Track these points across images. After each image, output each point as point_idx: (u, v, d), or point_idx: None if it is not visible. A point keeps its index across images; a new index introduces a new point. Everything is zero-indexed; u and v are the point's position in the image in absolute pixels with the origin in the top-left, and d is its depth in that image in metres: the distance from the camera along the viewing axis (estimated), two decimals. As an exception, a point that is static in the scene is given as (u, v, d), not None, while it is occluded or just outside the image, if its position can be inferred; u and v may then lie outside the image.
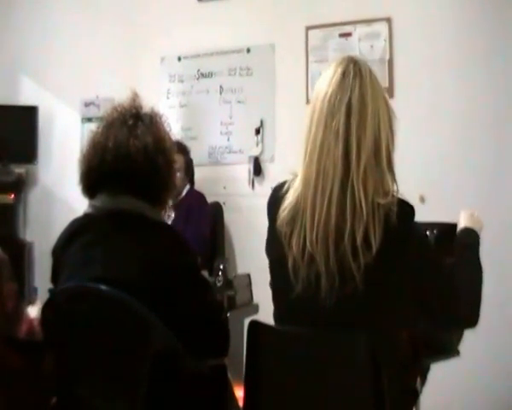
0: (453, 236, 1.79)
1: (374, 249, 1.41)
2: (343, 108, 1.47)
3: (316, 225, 1.46)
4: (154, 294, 1.58)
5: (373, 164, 1.47)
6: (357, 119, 1.47)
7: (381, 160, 1.49)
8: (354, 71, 1.51)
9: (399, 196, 1.49)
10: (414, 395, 1.72)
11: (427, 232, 1.86)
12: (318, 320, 1.49)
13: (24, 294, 2.04)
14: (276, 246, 1.56)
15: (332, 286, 1.45)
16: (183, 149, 3.61)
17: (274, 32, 3.91)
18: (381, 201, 1.44)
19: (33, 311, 1.83)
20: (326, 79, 1.52)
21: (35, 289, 1.91)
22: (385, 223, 1.43)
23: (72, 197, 3.67)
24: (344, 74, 1.50)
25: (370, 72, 1.54)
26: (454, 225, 1.85)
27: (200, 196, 3.73)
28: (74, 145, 3.94)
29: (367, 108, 1.48)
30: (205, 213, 3.64)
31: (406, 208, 1.49)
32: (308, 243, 1.47)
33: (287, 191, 1.56)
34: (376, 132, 1.49)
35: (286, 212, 1.52)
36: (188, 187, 3.71)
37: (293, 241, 1.50)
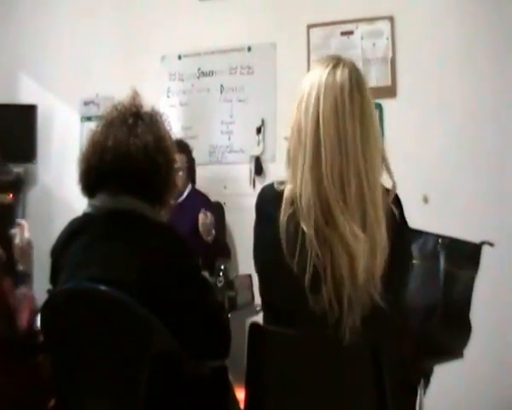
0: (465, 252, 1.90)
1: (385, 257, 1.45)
2: (365, 136, 1.49)
3: (337, 259, 1.45)
4: (153, 295, 1.57)
5: (379, 166, 1.52)
6: (374, 140, 1.50)
7: (382, 157, 1.53)
8: (362, 86, 1.53)
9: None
10: (415, 394, 1.73)
11: (439, 240, 1.88)
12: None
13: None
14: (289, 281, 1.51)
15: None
16: (185, 147, 3.59)
17: (275, 31, 3.90)
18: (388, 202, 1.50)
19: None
20: (339, 89, 1.51)
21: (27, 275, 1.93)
22: (388, 222, 1.47)
23: (71, 197, 3.65)
24: (359, 92, 1.52)
25: (360, 73, 1.57)
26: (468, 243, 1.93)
27: (204, 200, 3.68)
28: (74, 144, 3.94)
29: (377, 126, 1.53)
30: (216, 223, 3.54)
31: (398, 200, 1.54)
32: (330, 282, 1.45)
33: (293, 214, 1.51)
34: (377, 134, 1.53)
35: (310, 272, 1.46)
36: (189, 187, 3.69)
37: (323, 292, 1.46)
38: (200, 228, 3.23)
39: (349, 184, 1.46)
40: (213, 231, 3.29)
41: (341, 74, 1.53)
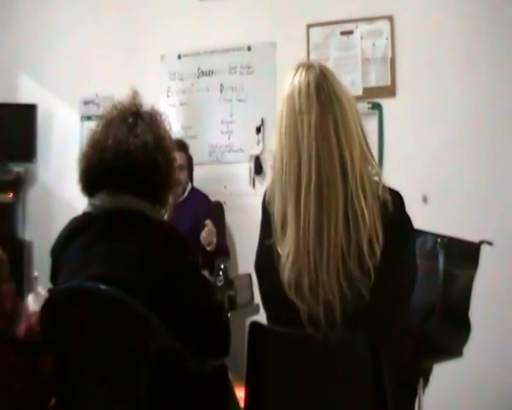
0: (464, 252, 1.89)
1: (378, 251, 1.42)
2: (331, 128, 1.47)
3: (325, 264, 1.44)
4: (153, 294, 1.57)
5: (364, 165, 1.49)
6: (344, 131, 1.47)
7: (367, 155, 1.51)
8: (322, 80, 1.51)
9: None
10: (414, 394, 1.73)
11: (438, 240, 1.88)
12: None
13: (23, 293, 2.04)
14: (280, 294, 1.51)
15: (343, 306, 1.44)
16: (183, 146, 3.59)
17: (275, 30, 3.90)
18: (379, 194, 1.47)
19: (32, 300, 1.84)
20: (297, 95, 1.50)
21: (35, 278, 1.92)
22: (383, 216, 1.45)
23: (71, 196, 3.65)
24: (317, 87, 1.49)
25: (322, 68, 1.54)
26: (467, 243, 1.92)
27: (204, 201, 3.67)
28: (74, 144, 3.93)
29: (348, 117, 1.49)
30: (216, 223, 3.50)
31: (398, 196, 1.52)
32: (320, 288, 1.44)
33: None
34: (359, 132, 1.50)
35: (289, 266, 1.47)
36: (189, 186, 3.69)
37: (304, 289, 1.46)
38: (202, 240, 3.22)
39: (304, 190, 1.45)
40: (214, 240, 3.29)
41: (299, 79, 1.52)
